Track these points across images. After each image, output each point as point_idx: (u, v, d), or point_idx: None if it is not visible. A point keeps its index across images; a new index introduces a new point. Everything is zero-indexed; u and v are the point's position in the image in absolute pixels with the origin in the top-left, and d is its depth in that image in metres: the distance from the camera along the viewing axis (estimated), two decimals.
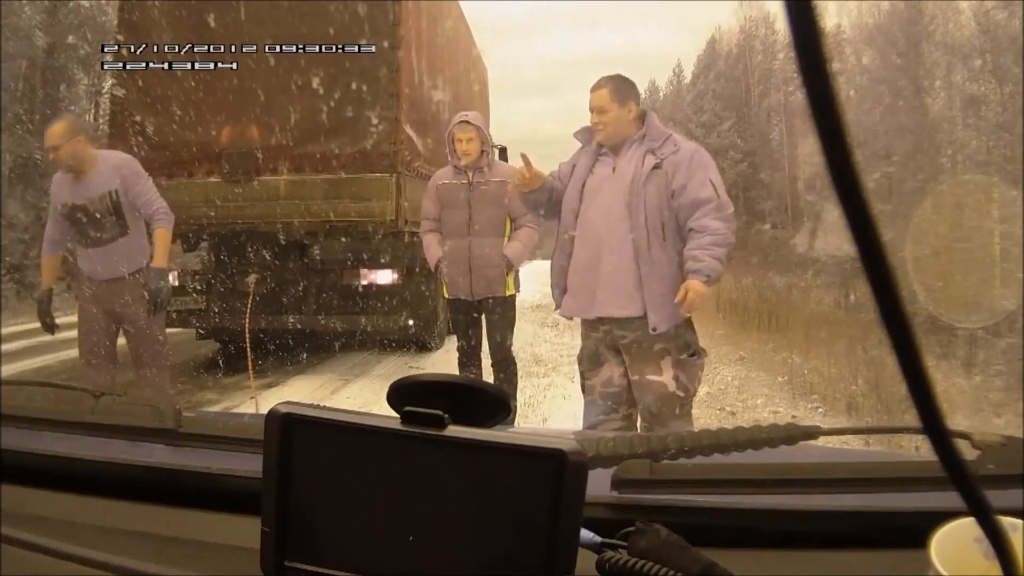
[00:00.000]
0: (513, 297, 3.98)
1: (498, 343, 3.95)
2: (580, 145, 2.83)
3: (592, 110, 2.72)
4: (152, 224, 3.56)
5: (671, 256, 2.61)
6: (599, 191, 2.70)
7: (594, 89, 2.73)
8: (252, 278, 6.08)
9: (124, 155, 3.59)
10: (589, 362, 2.77)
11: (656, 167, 2.61)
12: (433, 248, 3.91)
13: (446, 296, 4.01)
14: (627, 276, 2.61)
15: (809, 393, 5.56)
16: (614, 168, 2.70)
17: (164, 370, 3.71)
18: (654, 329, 2.58)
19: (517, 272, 3.98)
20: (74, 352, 7.63)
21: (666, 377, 2.61)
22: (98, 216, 3.43)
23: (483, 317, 3.96)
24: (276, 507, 0.52)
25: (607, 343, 2.71)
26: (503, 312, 3.93)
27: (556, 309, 2.89)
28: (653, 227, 2.60)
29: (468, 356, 4.03)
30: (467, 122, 3.85)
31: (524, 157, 2.80)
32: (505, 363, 3.98)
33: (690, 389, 2.65)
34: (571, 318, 2.85)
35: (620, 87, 2.72)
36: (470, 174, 3.84)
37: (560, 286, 2.79)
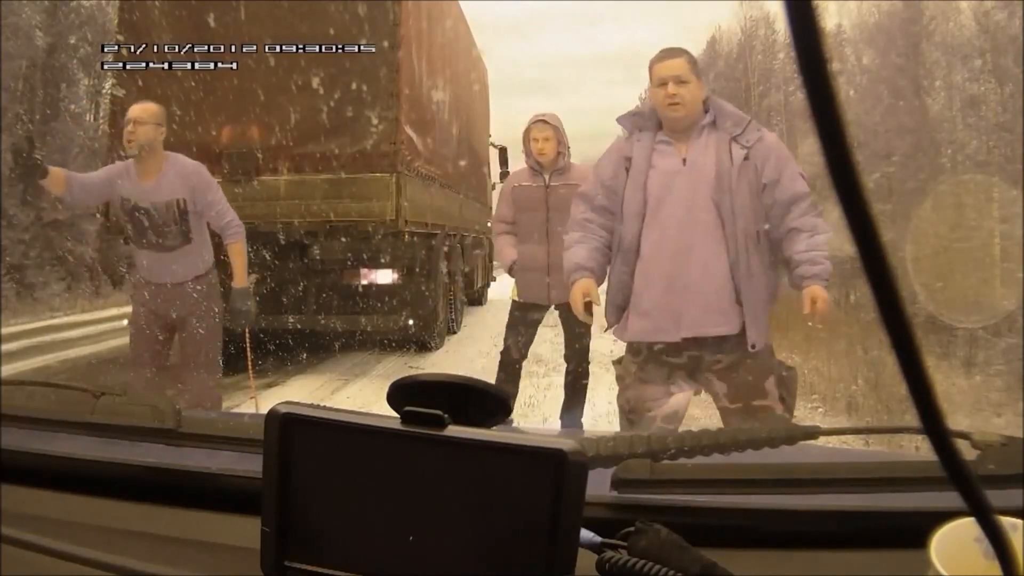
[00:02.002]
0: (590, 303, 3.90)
1: (577, 350, 3.86)
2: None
3: (665, 82, 2.23)
4: (226, 239, 3.40)
5: (765, 261, 2.25)
6: (671, 188, 2.24)
7: (666, 58, 2.26)
8: (252, 278, 6.07)
9: (195, 162, 3.38)
10: (654, 392, 2.33)
11: (746, 159, 2.21)
12: (507, 250, 3.81)
13: (515, 299, 3.91)
14: (722, 289, 2.21)
15: (809, 393, 5.56)
16: (684, 160, 2.25)
17: (214, 373, 3.56)
18: (753, 346, 2.22)
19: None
20: (74, 352, 7.66)
21: (771, 400, 2.26)
22: (161, 223, 3.23)
23: (563, 323, 3.84)
24: (276, 507, 0.52)
25: (688, 369, 2.30)
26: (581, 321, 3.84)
27: (608, 329, 2.42)
28: (748, 230, 2.21)
29: (514, 361, 3.93)
30: (544, 121, 3.71)
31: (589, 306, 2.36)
32: (582, 373, 3.88)
33: (793, 408, 2.33)
34: (652, 345, 2.31)
35: (693, 59, 2.31)
36: (546, 176, 3.72)
37: (619, 304, 2.33)
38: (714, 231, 2.21)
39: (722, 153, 2.23)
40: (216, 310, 3.50)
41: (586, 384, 3.95)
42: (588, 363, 3.94)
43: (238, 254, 3.41)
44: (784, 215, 2.22)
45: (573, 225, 2.38)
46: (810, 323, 2.32)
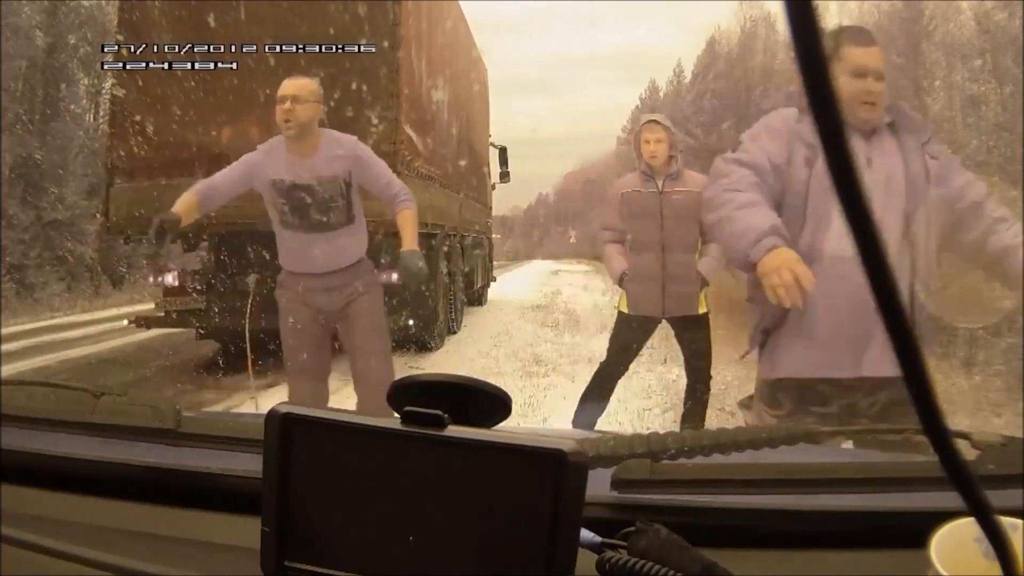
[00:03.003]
0: (707, 315, 3.63)
1: (699, 367, 3.64)
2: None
3: (864, 73, 1.87)
4: (396, 207, 3.19)
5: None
6: None
7: (865, 43, 1.90)
8: (252, 278, 6.07)
9: (353, 137, 3.22)
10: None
11: (936, 170, 1.93)
12: (615, 260, 3.58)
13: (623, 311, 3.67)
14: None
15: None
16: (869, 160, 1.90)
17: (388, 358, 3.32)
18: None
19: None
20: (74, 352, 7.66)
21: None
22: (327, 198, 3.02)
23: (678, 338, 3.69)
24: (276, 507, 0.52)
25: (838, 413, 1.88)
26: (703, 333, 3.61)
27: (745, 355, 2.09)
28: (931, 249, 1.91)
29: (617, 375, 3.72)
30: (655, 122, 3.55)
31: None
32: (703, 388, 3.66)
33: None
34: (811, 385, 1.89)
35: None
36: (660, 182, 3.51)
37: (769, 325, 1.93)
38: (901, 247, 1.86)
39: (911, 160, 1.91)
40: (380, 292, 3.32)
41: (705, 407, 3.67)
42: (710, 379, 3.67)
43: (410, 220, 3.18)
44: (971, 226, 1.93)
45: (738, 183, 1.89)
46: None
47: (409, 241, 3.15)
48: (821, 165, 1.80)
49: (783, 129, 1.96)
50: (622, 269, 3.55)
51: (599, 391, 3.73)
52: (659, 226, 3.49)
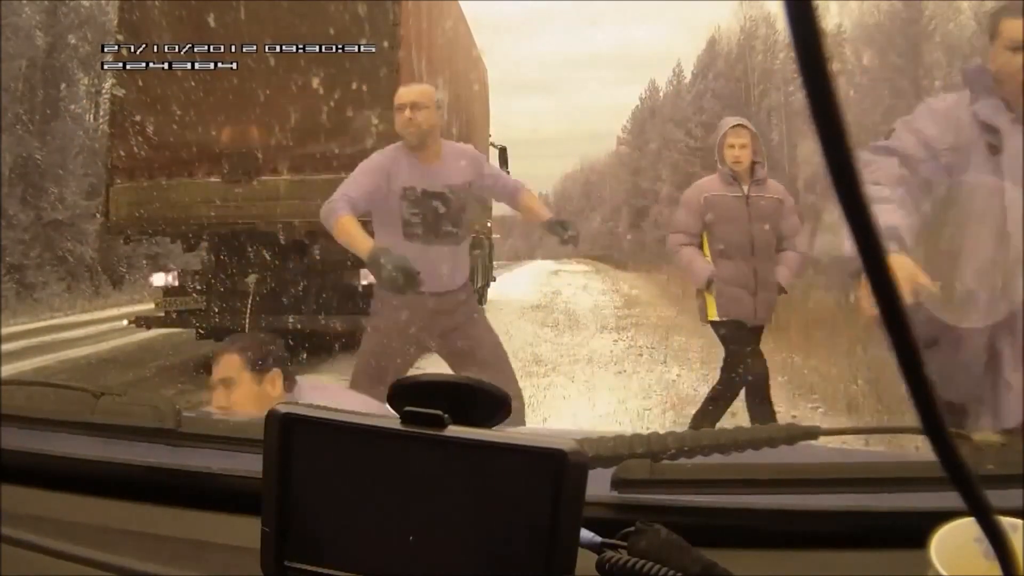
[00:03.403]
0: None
1: (763, 376, 3.56)
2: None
3: (1016, 48, 1.68)
4: (520, 195, 3.03)
5: None
6: None
7: (1018, 15, 1.70)
8: (252, 278, 6.08)
9: (468, 145, 3.10)
10: None
11: None
12: (699, 264, 3.46)
13: (713, 319, 3.53)
14: None
15: (809, 393, 5.56)
16: None
17: (512, 370, 3.11)
18: None
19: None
20: (74, 352, 7.65)
21: None
22: (459, 207, 2.85)
23: (727, 346, 3.58)
24: (276, 507, 0.52)
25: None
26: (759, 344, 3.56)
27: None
28: None
29: (730, 394, 3.58)
30: (741, 126, 3.46)
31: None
32: (763, 400, 3.58)
33: None
34: None
35: None
36: (745, 187, 3.44)
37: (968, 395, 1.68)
38: None
39: None
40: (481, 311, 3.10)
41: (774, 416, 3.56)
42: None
43: (533, 198, 3.08)
44: None
45: (877, 174, 1.72)
46: None
47: (545, 213, 3.04)
48: (1007, 154, 1.66)
49: (945, 105, 1.78)
50: (708, 273, 3.44)
51: (713, 412, 3.57)
52: (748, 231, 3.44)
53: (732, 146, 3.43)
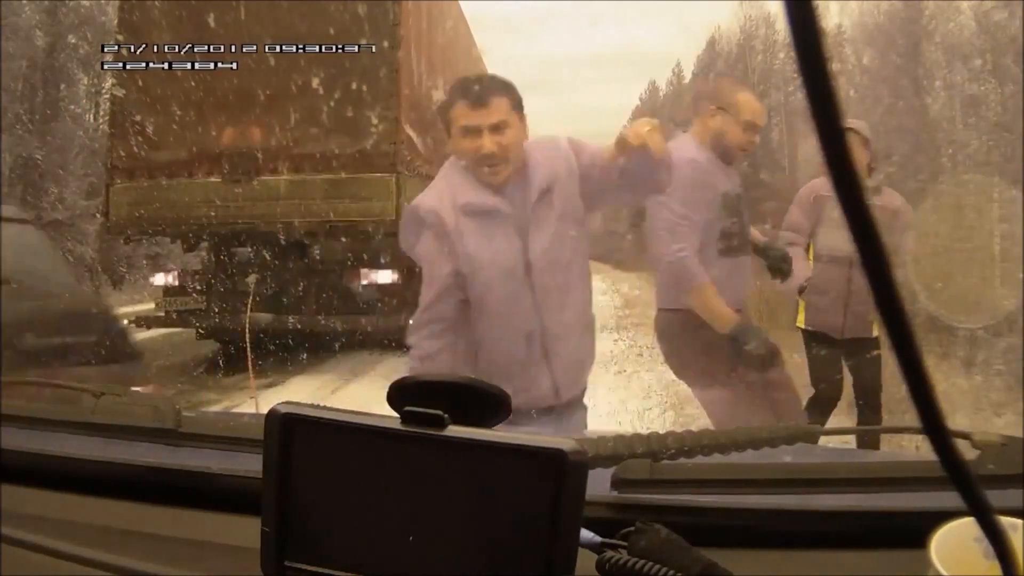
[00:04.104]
0: (878, 339, 3.28)
1: (871, 390, 3.35)
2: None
3: None
4: None
5: None
6: None
7: None
8: (252, 278, 6.08)
9: None
10: None
11: None
12: (800, 264, 3.11)
13: (801, 326, 3.38)
14: None
15: (810, 393, 5.55)
16: None
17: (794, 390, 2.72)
18: None
19: None
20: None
21: None
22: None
23: (847, 361, 3.38)
24: (276, 507, 0.52)
25: None
26: (874, 357, 3.30)
27: None
28: None
29: (828, 401, 3.36)
30: (854, 131, 3.10)
31: None
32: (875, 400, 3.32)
33: None
34: None
35: None
36: None
37: None
38: None
39: None
40: None
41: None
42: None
43: None
44: None
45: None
46: None
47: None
48: None
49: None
50: (806, 276, 3.21)
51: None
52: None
53: None
